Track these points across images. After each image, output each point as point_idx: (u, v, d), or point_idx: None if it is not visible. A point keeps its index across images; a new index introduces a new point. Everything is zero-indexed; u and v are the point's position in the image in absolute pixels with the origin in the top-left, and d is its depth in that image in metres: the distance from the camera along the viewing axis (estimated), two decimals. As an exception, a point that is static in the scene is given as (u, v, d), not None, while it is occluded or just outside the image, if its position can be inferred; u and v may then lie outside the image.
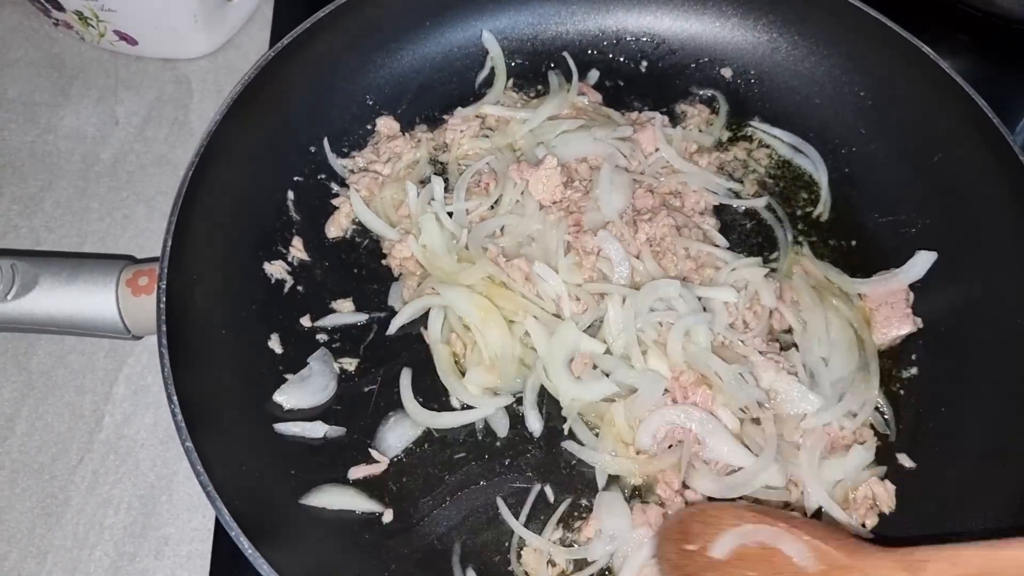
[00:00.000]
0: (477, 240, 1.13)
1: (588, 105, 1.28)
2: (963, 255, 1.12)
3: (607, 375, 1.05)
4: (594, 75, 1.33)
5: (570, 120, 1.23)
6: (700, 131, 1.28)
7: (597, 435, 1.04)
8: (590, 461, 1.03)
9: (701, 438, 1.01)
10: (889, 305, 1.13)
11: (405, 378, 1.07)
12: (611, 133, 1.21)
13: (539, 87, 1.32)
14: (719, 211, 1.22)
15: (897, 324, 1.12)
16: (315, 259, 1.17)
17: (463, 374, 1.08)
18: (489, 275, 1.10)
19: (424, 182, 1.20)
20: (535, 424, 1.06)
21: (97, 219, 1.27)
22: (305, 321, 1.12)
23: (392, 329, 1.12)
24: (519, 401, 1.07)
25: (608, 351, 1.06)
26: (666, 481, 1.01)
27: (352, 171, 1.23)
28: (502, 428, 1.06)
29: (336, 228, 1.20)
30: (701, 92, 1.32)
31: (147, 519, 1.06)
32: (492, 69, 1.32)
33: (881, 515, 1.01)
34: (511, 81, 1.32)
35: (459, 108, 1.28)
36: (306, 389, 1.05)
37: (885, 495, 1.01)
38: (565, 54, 1.32)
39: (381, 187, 1.21)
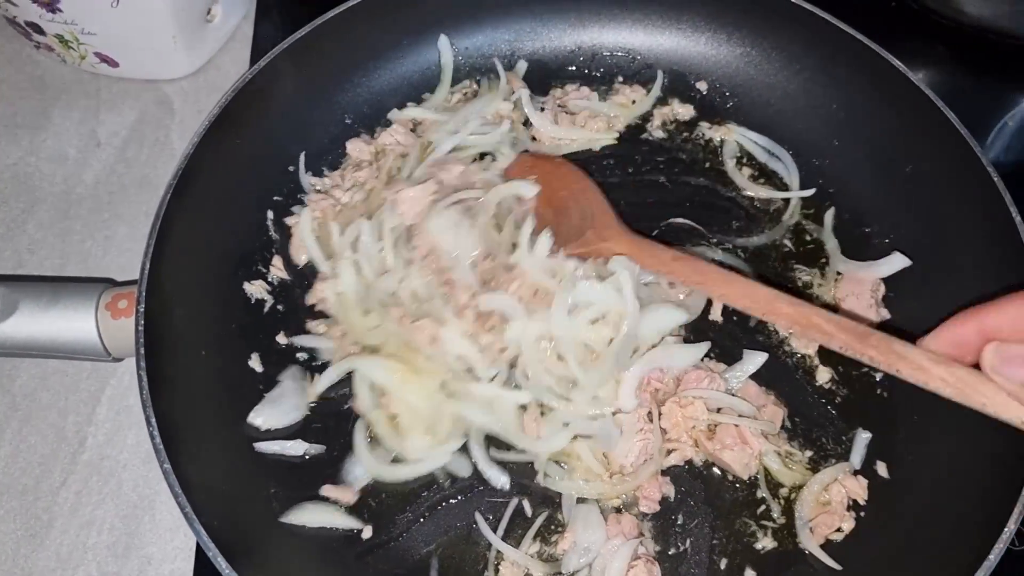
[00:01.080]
0: (377, 298, 1.10)
1: (511, 112, 1.28)
2: (934, 266, 1.13)
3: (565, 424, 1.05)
4: (522, 67, 1.35)
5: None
6: (624, 107, 1.32)
7: (564, 467, 1.05)
8: (564, 491, 1.03)
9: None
10: (855, 296, 1.15)
11: (359, 431, 1.05)
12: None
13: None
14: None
15: (862, 314, 1.13)
16: (295, 278, 1.18)
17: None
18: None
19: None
20: (500, 478, 1.04)
21: (79, 241, 1.28)
22: (281, 338, 1.12)
23: (319, 389, 1.08)
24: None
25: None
26: (646, 496, 1.02)
27: (317, 190, 1.23)
28: (464, 470, 1.05)
29: (298, 251, 1.18)
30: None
31: (130, 539, 1.07)
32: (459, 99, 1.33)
33: (857, 519, 1.02)
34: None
35: (394, 110, 1.29)
36: (279, 408, 1.06)
37: (859, 488, 1.03)
38: (494, 59, 1.34)
39: (337, 214, 1.19)
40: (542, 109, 1.30)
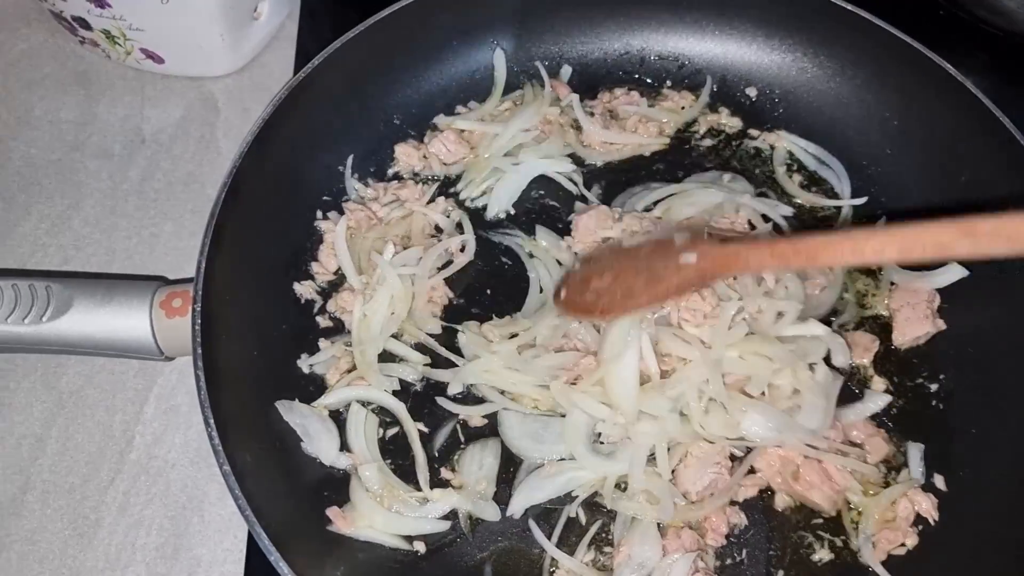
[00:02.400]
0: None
1: (559, 117, 1.28)
2: (989, 276, 1.12)
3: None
4: (567, 71, 1.34)
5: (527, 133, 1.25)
6: (673, 112, 1.31)
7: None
8: (623, 511, 1.02)
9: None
10: (911, 306, 1.14)
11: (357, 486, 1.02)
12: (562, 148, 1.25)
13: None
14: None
15: (918, 325, 1.12)
16: (342, 278, 1.17)
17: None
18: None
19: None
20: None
21: (125, 238, 1.27)
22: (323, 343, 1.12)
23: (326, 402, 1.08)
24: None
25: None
26: (712, 528, 1.00)
27: (357, 199, 1.22)
28: (492, 514, 1.02)
29: (328, 258, 1.17)
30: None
31: (179, 540, 1.06)
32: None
33: (920, 534, 1.01)
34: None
35: (441, 116, 1.28)
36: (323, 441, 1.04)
37: (928, 505, 1.01)
38: (537, 63, 1.33)
39: (369, 227, 1.18)
40: (591, 114, 1.29)
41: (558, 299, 1.09)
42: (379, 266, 1.12)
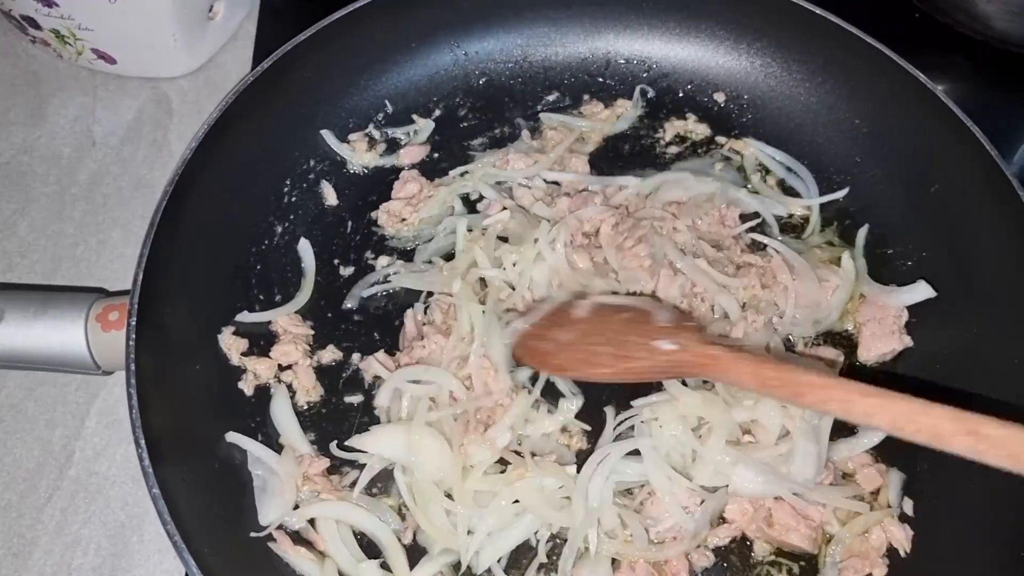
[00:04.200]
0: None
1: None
2: (959, 292, 1.09)
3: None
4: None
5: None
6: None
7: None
8: (575, 539, 0.97)
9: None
10: (877, 321, 1.11)
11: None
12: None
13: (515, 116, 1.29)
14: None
15: (885, 340, 1.09)
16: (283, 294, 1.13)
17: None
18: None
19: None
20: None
21: (72, 244, 1.24)
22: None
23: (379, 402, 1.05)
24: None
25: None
26: (673, 573, 0.96)
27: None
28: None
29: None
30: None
31: (116, 560, 1.03)
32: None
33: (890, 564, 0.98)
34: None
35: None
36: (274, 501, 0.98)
37: (902, 538, 0.98)
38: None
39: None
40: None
41: (518, 343, 1.02)
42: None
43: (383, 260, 1.16)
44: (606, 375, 0.94)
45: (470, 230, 1.15)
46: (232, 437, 1.00)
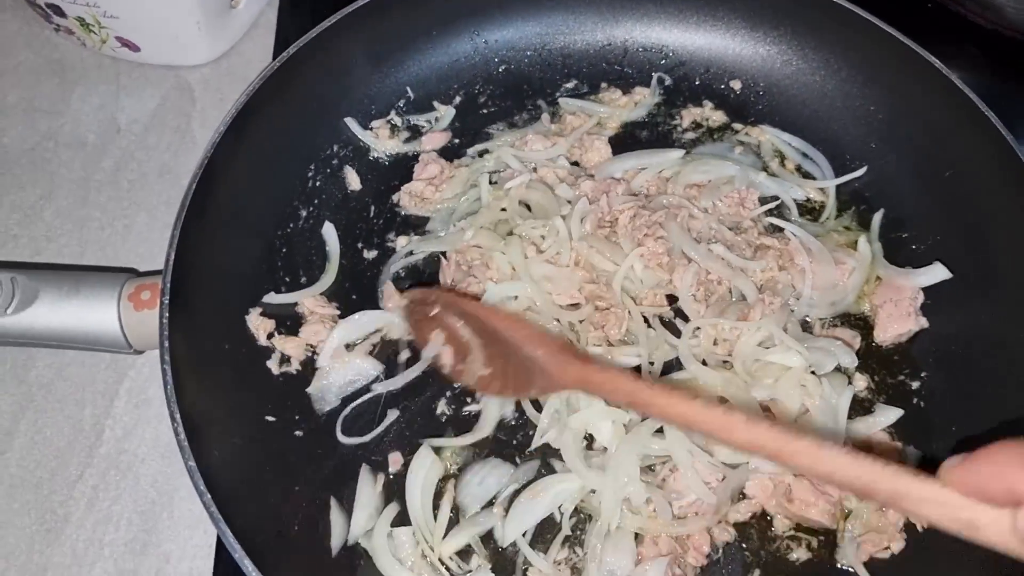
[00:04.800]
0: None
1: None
2: (974, 274, 1.11)
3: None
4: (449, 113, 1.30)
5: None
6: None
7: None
8: (601, 516, 0.99)
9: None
10: (893, 303, 1.12)
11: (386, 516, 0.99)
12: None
13: (534, 102, 1.31)
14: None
15: (900, 322, 1.11)
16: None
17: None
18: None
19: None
20: None
21: (98, 229, 1.25)
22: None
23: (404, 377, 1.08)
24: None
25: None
26: (695, 547, 0.98)
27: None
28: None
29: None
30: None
31: (148, 536, 1.04)
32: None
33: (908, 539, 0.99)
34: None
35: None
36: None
37: None
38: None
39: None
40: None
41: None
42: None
43: (402, 240, 1.19)
44: (522, 391, 0.97)
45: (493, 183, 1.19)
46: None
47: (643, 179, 1.20)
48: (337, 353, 1.08)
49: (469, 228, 1.14)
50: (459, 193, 1.21)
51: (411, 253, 1.17)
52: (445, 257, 1.16)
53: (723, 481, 0.99)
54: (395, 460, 1.03)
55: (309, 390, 1.07)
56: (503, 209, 1.17)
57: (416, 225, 1.21)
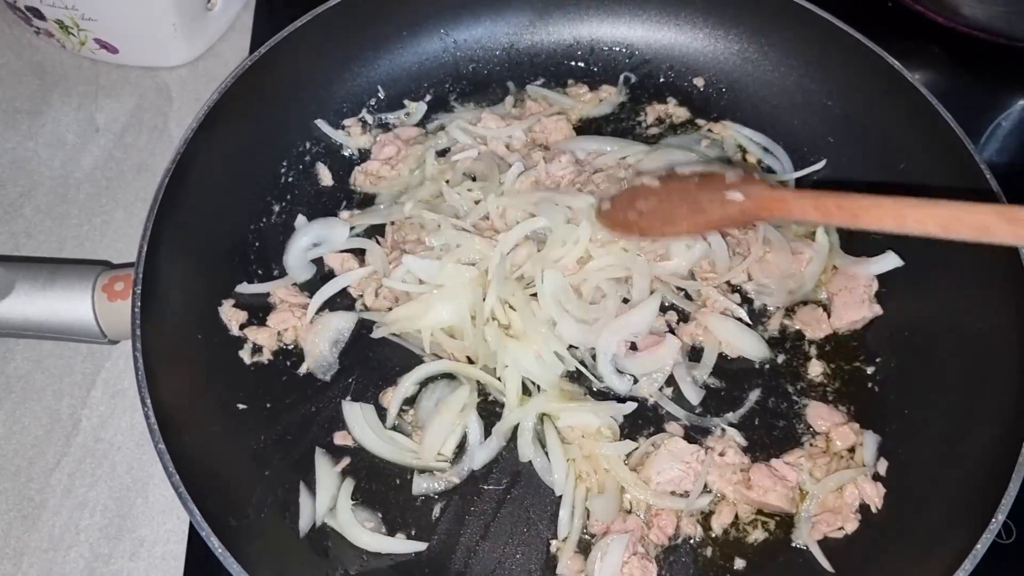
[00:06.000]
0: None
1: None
2: (927, 263, 1.14)
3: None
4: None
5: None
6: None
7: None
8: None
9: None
10: (848, 290, 1.16)
11: (345, 491, 1.03)
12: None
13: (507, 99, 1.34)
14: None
15: (856, 309, 1.15)
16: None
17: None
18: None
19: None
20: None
21: (76, 225, 1.28)
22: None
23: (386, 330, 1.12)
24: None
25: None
26: (659, 526, 1.01)
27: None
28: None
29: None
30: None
31: (122, 521, 1.07)
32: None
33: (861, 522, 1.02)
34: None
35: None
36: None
37: (874, 495, 1.02)
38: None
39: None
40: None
41: (600, 213, 1.12)
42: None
43: (343, 215, 1.23)
44: (683, 230, 1.06)
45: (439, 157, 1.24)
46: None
47: (603, 162, 1.24)
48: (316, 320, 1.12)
49: (408, 201, 1.18)
50: (413, 169, 1.25)
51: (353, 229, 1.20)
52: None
53: (701, 464, 1.03)
54: (342, 436, 1.06)
55: (308, 367, 1.10)
56: (448, 181, 1.21)
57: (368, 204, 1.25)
